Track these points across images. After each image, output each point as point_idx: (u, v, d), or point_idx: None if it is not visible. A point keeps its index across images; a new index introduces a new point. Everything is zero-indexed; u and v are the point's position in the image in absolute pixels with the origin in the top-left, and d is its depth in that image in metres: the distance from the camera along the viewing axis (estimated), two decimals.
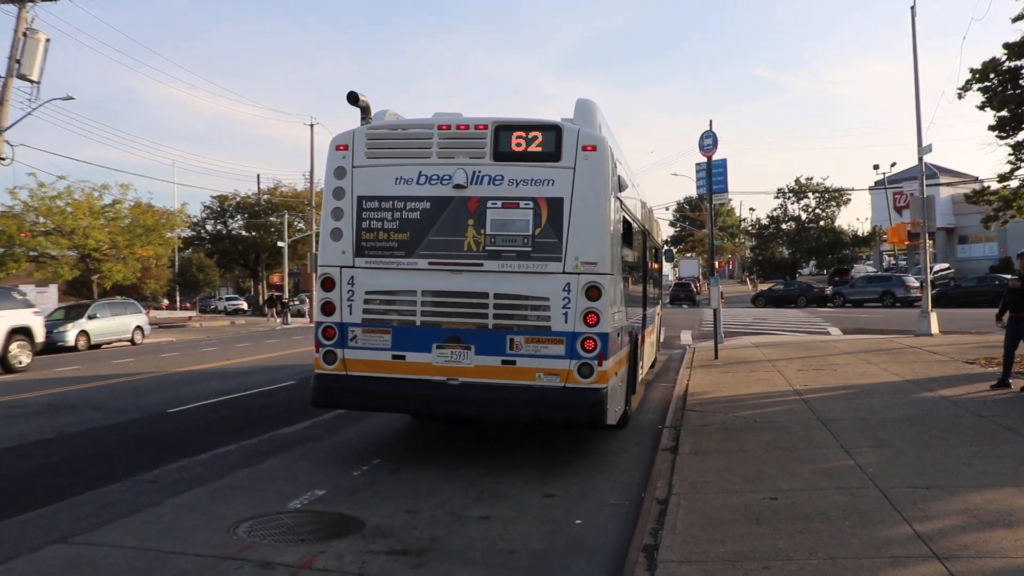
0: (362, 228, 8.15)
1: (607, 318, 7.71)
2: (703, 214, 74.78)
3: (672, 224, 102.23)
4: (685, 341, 24.11)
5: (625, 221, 9.36)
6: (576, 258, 7.71)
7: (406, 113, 8.85)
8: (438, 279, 7.92)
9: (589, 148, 7.81)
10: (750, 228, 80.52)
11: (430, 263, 7.95)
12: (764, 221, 75.59)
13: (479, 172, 7.87)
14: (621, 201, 8.87)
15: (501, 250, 7.83)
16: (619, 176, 8.64)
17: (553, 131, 7.82)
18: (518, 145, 7.83)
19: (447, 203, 7.93)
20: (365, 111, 8.42)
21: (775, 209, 74.11)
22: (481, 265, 7.85)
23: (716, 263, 21.36)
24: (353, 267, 8.15)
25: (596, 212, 7.79)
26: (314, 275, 45.18)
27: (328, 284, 8.21)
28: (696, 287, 67.39)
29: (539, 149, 7.80)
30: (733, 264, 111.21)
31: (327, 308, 8.19)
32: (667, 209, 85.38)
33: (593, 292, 7.69)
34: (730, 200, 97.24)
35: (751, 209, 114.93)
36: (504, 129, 7.87)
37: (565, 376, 7.63)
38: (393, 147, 8.12)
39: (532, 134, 7.84)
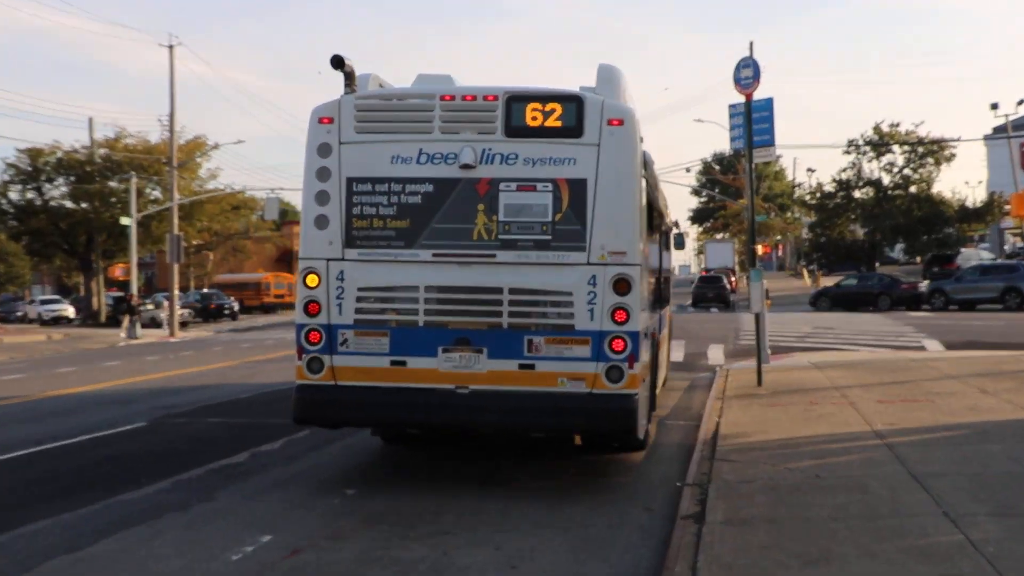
0: (353, 215, 9.81)
1: (637, 315, 9.55)
2: (740, 178, 75.27)
3: (695, 192, 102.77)
4: (714, 359, 24.38)
5: (648, 204, 11.07)
6: (602, 247, 9.49)
7: (379, 68, 10.58)
8: (444, 272, 9.68)
9: (615, 122, 9.59)
10: (808, 197, 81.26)
11: (434, 255, 9.68)
12: (828, 187, 76.26)
13: (489, 150, 9.64)
14: (646, 180, 10.57)
15: (517, 239, 9.59)
16: (644, 152, 10.34)
17: (574, 103, 9.63)
18: (534, 119, 9.60)
19: (453, 185, 9.67)
20: (349, 78, 9.99)
21: (844, 169, 74.84)
22: (494, 256, 9.60)
23: (759, 247, 21.53)
24: (343, 260, 9.82)
25: (624, 195, 9.59)
26: (174, 266, 44.88)
27: (312, 280, 9.85)
28: (730, 282, 67.96)
29: (558, 124, 9.60)
30: (784, 249, 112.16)
31: (311, 308, 9.86)
32: (687, 171, 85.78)
33: (622, 285, 9.48)
34: (779, 157, 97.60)
35: (809, 170, 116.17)
36: (517, 100, 9.67)
37: (591, 381, 9.47)
38: (387, 120, 9.88)
39: (549, 106, 9.61)
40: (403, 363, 9.64)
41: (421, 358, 9.61)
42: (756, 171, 21.36)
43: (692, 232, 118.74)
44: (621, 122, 9.60)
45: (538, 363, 9.45)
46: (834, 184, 75.14)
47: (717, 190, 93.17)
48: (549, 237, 9.53)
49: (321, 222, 9.83)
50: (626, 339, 9.43)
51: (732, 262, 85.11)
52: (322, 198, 9.83)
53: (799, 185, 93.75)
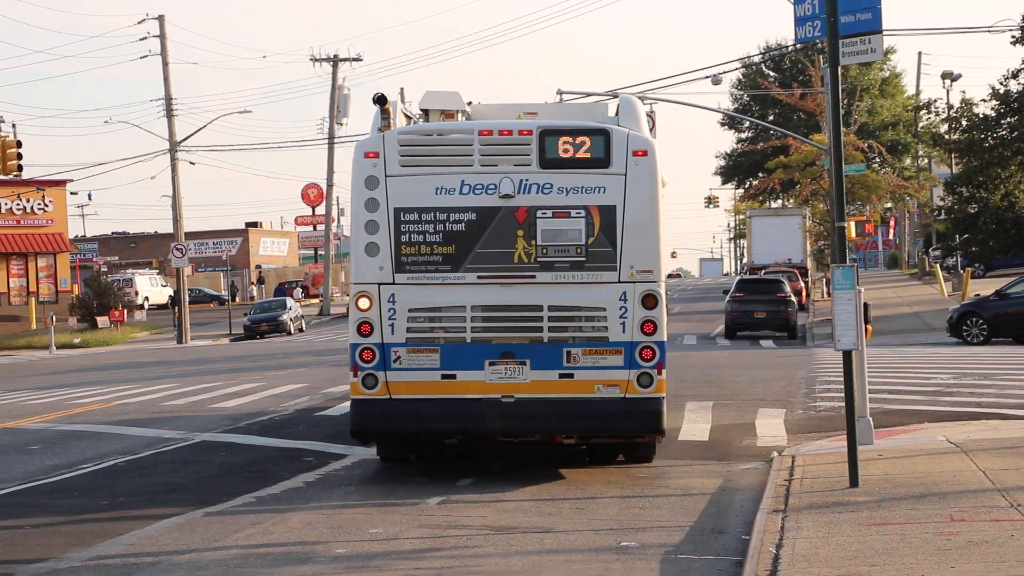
0: (402, 242, 14.91)
1: (663, 327, 15.10)
2: (814, 93, 60.38)
3: (728, 122, 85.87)
4: (768, 437, 20.11)
5: None
6: (631, 267, 14.81)
7: None
8: (488, 293, 15.02)
9: (640, 153, 14.90)
10: (946, 128, 60.67)
11: (479, 276, 14.97)
12: (984, 107, 55.22)
13: (527, 181, 14.90)
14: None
15: (554, 261, 14.91)
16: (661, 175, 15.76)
17: (601, 136, 15.06)
18: (565, 151, 14.95)
19: (494, 213, 14.93)
20: (387, 114, 14.89)
21: (1016, 73, 53.35)
22: (533, 277, 14.97)
23: (851, 225, 18.83)
24: (393, 284, 14.91)
25: (649, 219, 15.05)
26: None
27: (365, 303, 14.94)
28: (797, 290, 53.04)
29: (588, 155, 14.97)
30: (897, 228, 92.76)
31: (364, 328, 14.89)
32: (714, 81, 52.50)
33: (650, 300, 14.86)
34: (891, 52, 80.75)
35: (948, 78, 76.91)
36: (550, 134, 15.05)
37: (625, 387, 14.79)
38: (429, 154, 15.26)
39: (579, 139, 15.02)
40: (453, 376, 14.66)
41: (469, 371, 14.62)
42: (846, 79, 18.03)
43: (723, 198, 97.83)
44: (646, 153, 14.73)
45: (577, 372, 14.57)
46: (994, 103, 53.74)
47: (771, 117, 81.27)
48: (583, 259, 14.61)
49: (371, 249, 14.65)
50: (655, 348, 14.61)
51: (800, 253, 67.50)
52: (372, 227, 14.60)
53: (928, 106, 68.09)
